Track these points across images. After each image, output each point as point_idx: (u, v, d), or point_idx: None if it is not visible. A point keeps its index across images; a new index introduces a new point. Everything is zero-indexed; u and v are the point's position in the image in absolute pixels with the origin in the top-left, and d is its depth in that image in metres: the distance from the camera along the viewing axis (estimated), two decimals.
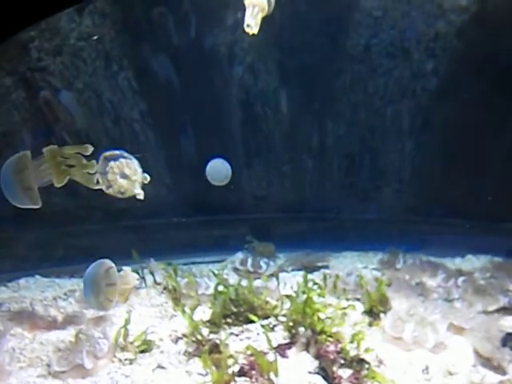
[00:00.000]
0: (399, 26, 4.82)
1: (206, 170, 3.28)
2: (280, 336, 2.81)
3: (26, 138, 4.47)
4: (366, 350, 2.51)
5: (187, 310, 2.84)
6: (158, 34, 4.66)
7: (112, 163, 2.86)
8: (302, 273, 3.88)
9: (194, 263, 4.34)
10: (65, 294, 3.53)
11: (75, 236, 4.69)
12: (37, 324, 2.94)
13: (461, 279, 3.26)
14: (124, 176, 2.87)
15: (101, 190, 3.85)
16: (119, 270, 2.92)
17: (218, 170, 3.21)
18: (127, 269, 3.03)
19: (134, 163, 2.92)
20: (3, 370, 2.48)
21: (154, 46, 4.71)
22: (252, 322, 2.91)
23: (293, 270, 4.08)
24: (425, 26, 4.77)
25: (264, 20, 4.88)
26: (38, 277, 4.06)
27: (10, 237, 4.34)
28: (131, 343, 2.72)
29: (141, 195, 2.85)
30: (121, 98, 4.69)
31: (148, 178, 2.95)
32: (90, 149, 2.39)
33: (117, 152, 2.97)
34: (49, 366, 2.57)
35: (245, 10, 2.72)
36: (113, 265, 2.76)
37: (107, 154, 2.95)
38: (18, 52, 4.17)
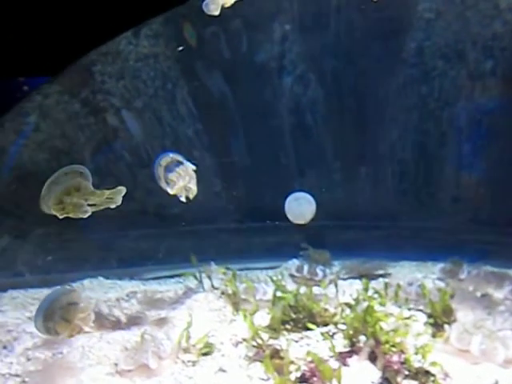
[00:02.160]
0: (453, 28, 4.70)
1: (288, 206, 3.18)
2: (340, 344, 2.78)
3: (87, 156, 4.71)
4: (433, 364, 2.44)
5: (248, 314, 2.87)
6: (211, 51, 4.80)
7: (171, 175, 3.02)
8: (358, 281, 3.87)
9: (248, 269, 4.38)
10: (127, 296, 3.67)
11: (133, 239, 4.85)
12: (103, 324, 3.06)
13: None
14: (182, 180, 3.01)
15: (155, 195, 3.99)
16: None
17: (302, 210, 3.13)
18: (89, 304, 2.90)
19: (188, 168, 3.06)
20: (74, 366, 2.60)
21: (206, 62, 4.85)
22: (311, 329, 2.90)
23: (349, 278, 4.04)
24: (480, 27, 4.64)
25: (314, 26, 4.92)
26: (100, 278, 4.22)
27: (72, 239, 4.54)
28: (193, 346, 2.78)
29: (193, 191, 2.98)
30: (176, 111, 4.85)
31: (194, 167, 3.09)
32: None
33: (171, 158, 3.12)
34: (116, 364, 2.67)
35: None
36: (77, 301, 2.68)
37: (164, 161, 3.11)
38: (83, 76, 4.42)
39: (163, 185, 3.11)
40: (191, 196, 3.03)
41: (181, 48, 3.73)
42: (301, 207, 3.10)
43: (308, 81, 5.07)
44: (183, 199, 3.02)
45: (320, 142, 5.32)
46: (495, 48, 4.65)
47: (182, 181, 2.95)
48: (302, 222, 3.09)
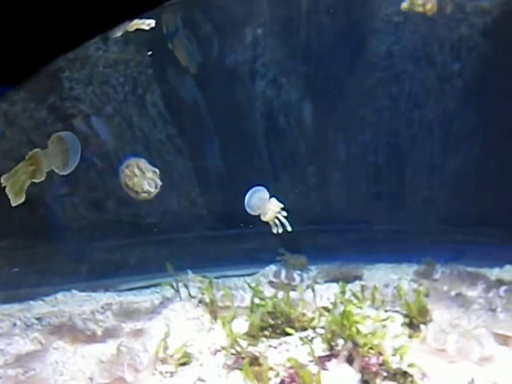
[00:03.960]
0: (421, 31, 4.80)
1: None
2: (319, 348, 2.78)
3: None
4: (410, 365, 2.46)
5: (226, 322, 2.84)
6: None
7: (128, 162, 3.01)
8: (335, 285, 3.88)
9: (225, 276, 4.36)
10: (102, 308, 3.59)
11: (107, 250, 4.76)
12: (77, 337, 2.98)
13: (502, 289, 3.19)
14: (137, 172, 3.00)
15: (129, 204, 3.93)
16: None
17: (253, 202, 3.16)
18: None
19: (145, 162, 3.05)
20: (48, 382, 2.52)
21: (178, 67, 4.81)
22: (290, 334, 2.89)
23: (326, 282, 4.06)
24: (447, 30, 4.75)
25: (285, 30, 4.95)
26: (74, 291, 4.13)
27: (44, 252, 4.43)
28: (171, 356, 2.73)
29: (151, 191, 2.97)
30: (147, 117, 4.79)
31: (157, 171, 3.07)
32: None
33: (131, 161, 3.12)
34: (91, 379, 2.60)
35: None
36: None
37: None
38: (49, 82, 4.33)
39: (129, 191, 3.09)
40: (153, 188, 3.00)
41: (150, 53, 3.71)
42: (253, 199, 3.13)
43: (280, 85, 5.10)
44: (145, 189, 2.99)
45: (294, 147, 5.35)
46: (462, 50, 4.77)
47: (137, 173, 2.94)
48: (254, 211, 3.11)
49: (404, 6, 3.63)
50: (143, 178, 2.95)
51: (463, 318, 2.81)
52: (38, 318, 3.39)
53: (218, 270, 4.53)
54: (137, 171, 2.96)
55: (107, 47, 4.43)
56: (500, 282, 3.45)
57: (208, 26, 4.78)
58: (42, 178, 2.53)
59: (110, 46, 4.44)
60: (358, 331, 2.69)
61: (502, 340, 2.69)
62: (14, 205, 2.41)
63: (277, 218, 3.14)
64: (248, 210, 3.20)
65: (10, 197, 2.39)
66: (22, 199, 2.42)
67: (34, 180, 2.48)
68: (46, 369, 2.64)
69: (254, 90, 5.08)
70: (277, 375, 2.47)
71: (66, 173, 2.68)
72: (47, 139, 4.42)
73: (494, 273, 3.94)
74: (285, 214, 3.16)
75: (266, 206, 3.11)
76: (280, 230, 3.16)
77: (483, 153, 4.76)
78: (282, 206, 3.14)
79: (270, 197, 3.19)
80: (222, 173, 5.19)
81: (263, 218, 3.16)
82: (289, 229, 3.14)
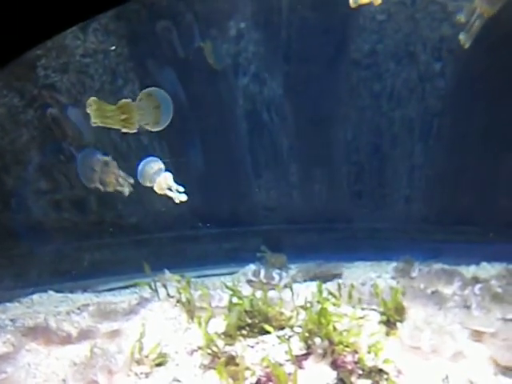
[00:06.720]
0: (404, 30, 4.82)
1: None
2: (296, 347, 2.77)
3: (34, 155, 4.52)
4: (385, 361, 2.47)
5: (202, 322, 2.82)
6: (163, 47, 4.72)
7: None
8: (314, 283, 3.87)
9: (205, 276, 4.34)
10: (78, 309, 3.54)
11: (87, 251, 4.70)
12: (51, 339, 2.93)
13: (477, 287, 3.22)
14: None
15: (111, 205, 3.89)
16: None
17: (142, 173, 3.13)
18: None
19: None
20: None
21: (158, 59, 4.76)
22: (267, 333, 2.88)
23: (305, 281, 4.06)
24: (429, 30, 4.78)
25: (268, 28, 4.93)
26: (51, 292, 4.08)
27: (22, 253, 4.36)
28: (146, 357, 2.70)
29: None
30: None
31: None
32: None
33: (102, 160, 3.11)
34: (64, 381, 2.56)
35: None
36: None
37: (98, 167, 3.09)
38: (25, 71, 4.23)
39: (97, 184, 3.07)
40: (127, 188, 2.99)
41: (113, 47, 3.65)
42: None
43: (263, 81, 5.08)
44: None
45: (276, 145, 5.34)
46: (443, 50, 4.80)
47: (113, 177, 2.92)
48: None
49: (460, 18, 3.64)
50: (115, 177, 2.92)
51: (438, 315, 2.83)
52: (11, 320, 3.33)
53: (198, 269, 4.51)
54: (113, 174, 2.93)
55: (85, 37, 4.34)
56: (475, 280, 3.49)
57: (190, 16, 4.73)
58: (134, 130, 2.43)
59: (88, 36, 4.35)
60: (335, 329, 2.69)
61: (476, 336, 2.71)
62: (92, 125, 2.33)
63: (169, 190, 3.10)
64: (139, 180, 3.15)
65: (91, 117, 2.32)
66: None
67: (124, 129, 2.38)
68: (18, 371, 2.59)
69: (235, 84, 5.05)
70: (253, 374, 2.46)
71: (158, 129, 2.57)
72: (22, 127, 4.34)
73: (471, 270, 3.98)
74: (181, 189, 3.09)
75: (155, 178, 3.09)
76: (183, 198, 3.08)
77: (462, 153, 4.81)
78: (171, 178, 3.09)
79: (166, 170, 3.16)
80: (203, 171, 5.16)
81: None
82: (182, 199, 3.06)
